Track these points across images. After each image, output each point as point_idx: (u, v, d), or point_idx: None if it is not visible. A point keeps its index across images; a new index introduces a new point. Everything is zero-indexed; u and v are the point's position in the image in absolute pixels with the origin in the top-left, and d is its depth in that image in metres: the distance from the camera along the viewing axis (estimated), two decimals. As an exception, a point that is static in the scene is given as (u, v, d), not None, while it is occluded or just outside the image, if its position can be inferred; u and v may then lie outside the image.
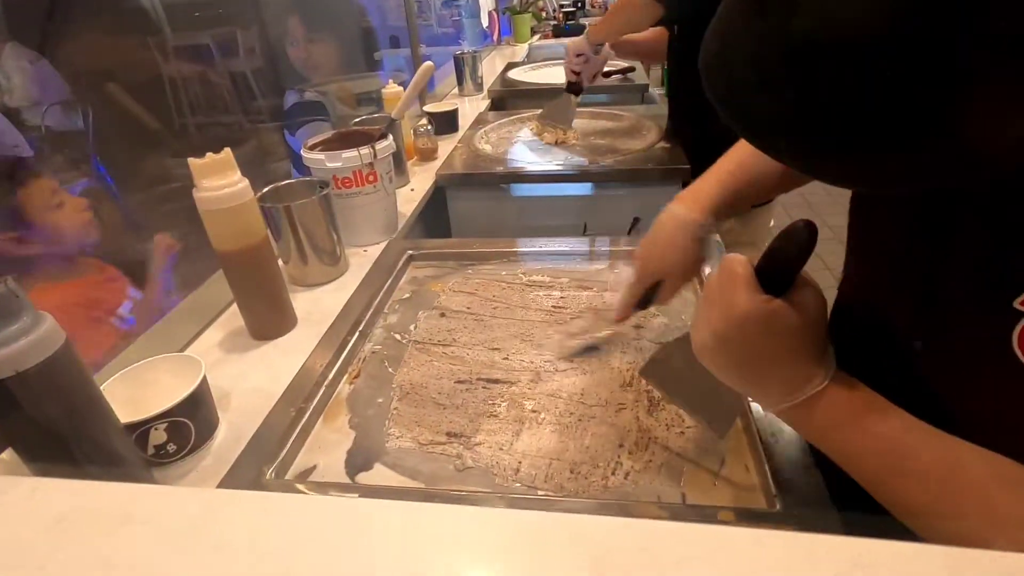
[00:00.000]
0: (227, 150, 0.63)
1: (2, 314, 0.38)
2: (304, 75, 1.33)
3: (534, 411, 0.60)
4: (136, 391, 0.55)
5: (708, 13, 0.32)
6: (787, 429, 0.53)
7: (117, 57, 0.91)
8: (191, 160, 0.61)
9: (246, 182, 0.64)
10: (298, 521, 0.26)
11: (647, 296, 0.61)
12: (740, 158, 0.60)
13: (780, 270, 0.38)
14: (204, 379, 0.55)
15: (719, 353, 0.40)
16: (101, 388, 0.46)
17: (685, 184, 0.67)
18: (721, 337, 0.39)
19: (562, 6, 3.46)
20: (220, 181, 0.62)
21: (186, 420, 0.53)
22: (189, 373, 0.55)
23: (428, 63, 0.88)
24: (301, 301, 0.78)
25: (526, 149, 1.34)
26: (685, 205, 0.59)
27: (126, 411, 0.49)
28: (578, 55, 1.30)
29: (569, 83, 1.36)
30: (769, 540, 0.20)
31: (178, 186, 0.96)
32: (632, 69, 1.91)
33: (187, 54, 1.04)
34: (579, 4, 3.53)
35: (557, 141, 1.36)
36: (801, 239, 0.36)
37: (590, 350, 0.67)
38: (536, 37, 3.03)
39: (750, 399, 0.42)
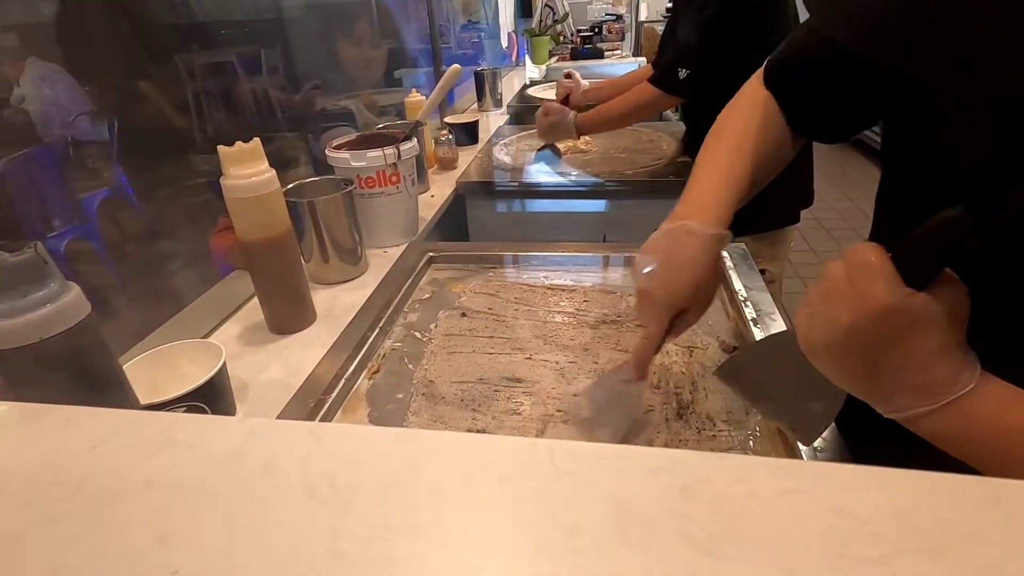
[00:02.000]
0: (256, 140, 0.63)
1: (29, 279, 0.37)
2: (350, 76, 1.36)
3: (559, 410, 0.58)
4: (157, 374, 0.54)
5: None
6: (829, 437, 0.50)
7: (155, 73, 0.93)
8: (221, 148, 0.61)
9: (273, 172, 0.64)
10: (348, 445, 0.24)
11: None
12: (730, 158, 0.54)
13: (924, 262, 0.33)
14: (224, 365, 0.54)
15: (847, 351, 0.35)
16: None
17: None
18: (852, 333, 0.34)
19: (580, 30, 3.52)
20: (247, 170, 0.62)
21: (204, 405, 0.52)
22: (209, 360, 0.54)
23: (455, 66, 0.89)
24: (321, 298, 0.77)
25: (545, 162, 1.35)
26: (698, 218, 0.51)
27: (146, 393, 0.48)
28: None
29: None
30: (882, 475, 0.18)
31: (197, 192, 0.97)
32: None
33: (212, 71, 1.06)
34: (596, 29, 3.59)
35: (569, 150, 1.37)
36: (960, 228, 0.30)
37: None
38: (554, 60, 3.07)
39: (871, 404, 0.36)
